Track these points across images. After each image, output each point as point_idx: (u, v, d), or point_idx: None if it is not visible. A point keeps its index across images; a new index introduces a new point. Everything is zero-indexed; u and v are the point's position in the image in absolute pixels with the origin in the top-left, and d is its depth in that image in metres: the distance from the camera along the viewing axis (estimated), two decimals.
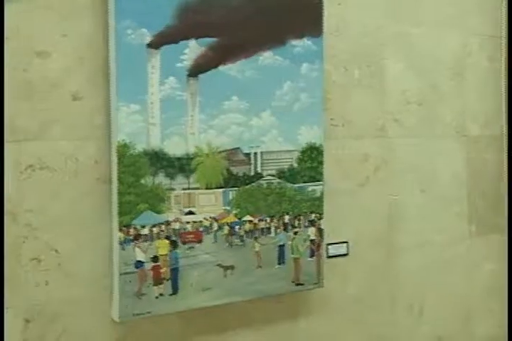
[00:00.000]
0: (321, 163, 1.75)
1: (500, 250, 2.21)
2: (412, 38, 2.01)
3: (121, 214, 1.41)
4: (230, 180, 1.59)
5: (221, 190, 1.58)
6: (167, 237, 1.49)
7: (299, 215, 1.71)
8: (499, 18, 2.20)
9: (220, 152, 1.57)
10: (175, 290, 1.50)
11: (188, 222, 1.53)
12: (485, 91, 2.18)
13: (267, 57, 1.63)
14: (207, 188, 1.56)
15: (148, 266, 1.46)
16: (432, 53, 2.07)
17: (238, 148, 1.61)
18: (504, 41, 2.20)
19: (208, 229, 1.56)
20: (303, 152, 1.71)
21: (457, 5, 2.11)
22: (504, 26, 2.19)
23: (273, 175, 1.67)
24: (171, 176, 1.50)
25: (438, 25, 2.08)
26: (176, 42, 1.48)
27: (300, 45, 1.69)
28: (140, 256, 1.45)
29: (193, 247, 1.53)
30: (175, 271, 1.50)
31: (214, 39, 1.54)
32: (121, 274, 1.42)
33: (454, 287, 2.11)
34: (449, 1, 2.09)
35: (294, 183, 1.71)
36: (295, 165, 1.70)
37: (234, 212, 1.60)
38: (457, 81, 2.11)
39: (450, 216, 2.11)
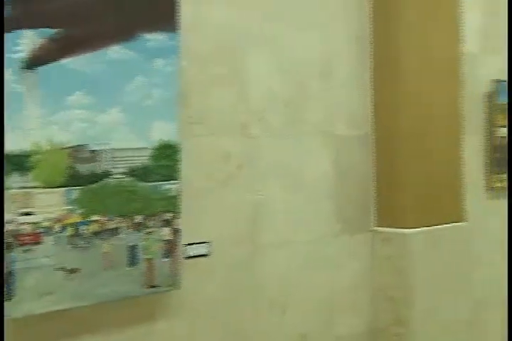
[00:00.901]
0: (177, 160, 1.69)
1: (365, 249, 2.24)
2: (280, 37, 2.00)
3: None
4: (74, 179, 1.51)
5: (64, 188, 1.49)
6: None
7: (153, 215, 1.65)
8: (365, 19, 2.22)
9: (63, 149, 1.49)
10: (9, 295, 1.40)
11: (24, 223, 1.43)
12: (352, 92, 2.20)
13: (116, 50, 1.56)
14: (47, 187, 1.47)
15: None
16: (299, 52, 2.06)
17: (84, 145, 1.53)
18: (370, 42, 2.22)
19: (48, 231, 1.47)
20: (157, 149, 1.65)
21: (324, 5, 2.12)
22: (369, 27, 2.22)
23: (124, 173, 1.60)
24: (6, 174, 1.40)
25: (305, 25, 2.08)
26: (9, 31, 1.38)
27: (153, 39, 1.63)
28: None
29: (30, 250, 1.44)
30: (10, 275, 1.40)
31: (55, 30, 1.45)
32: None
33: (319, 285, 2.11)
34: (317, 1, 2.10)
35: (147, 182, 1.64)
36: (148, 163, 1.64)
37: (78, 211, 1.52)
38: (324, 81, 2.12)
39: (316, 215, 2.11)
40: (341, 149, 2.17)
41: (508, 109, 3.73)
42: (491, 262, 2.70)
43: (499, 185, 2.69)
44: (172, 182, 1.69)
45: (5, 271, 1.39)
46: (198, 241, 1.80)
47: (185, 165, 1.74)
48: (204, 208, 1.81)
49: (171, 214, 1.68)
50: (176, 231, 1.69)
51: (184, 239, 1.74)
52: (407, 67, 2.16)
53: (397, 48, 2.16)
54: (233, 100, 1.89)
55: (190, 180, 1.76)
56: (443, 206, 2.28)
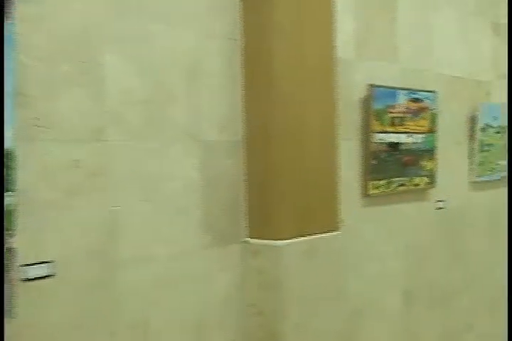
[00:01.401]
0: (11, 169, 1.46)
1: (236, 261, 2.10)
2: (141, 34, 1.82)
3: None
4: None
5: None
6: None
7: None
8: (236, 20, 2.08)
9: None
10: None
11: None
12: (222, 95, 2.05)
13: None
14: None
15: None
16: (163, 51, 1.89)
17: None
18: (241, 44, 2.09)
19: None
20: None
21: (193, 5, 1.96)
22: (241, 29, 2.08)
23: None
24: None
25: (172, 22, 1.91)
26: None
27: None
28: None
29: None
30: None
31: None
32: None
33: (185, 302, 1.95)
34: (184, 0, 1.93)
35: None
36: None
37: None
38: (191, 82, 1.95)
39: (181, 226, 1.94)
40: (210, 155, 2.02)
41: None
42: (367, 271, 2.65)
43: (375, 191, 2.65)
44: (6, 194, 1.45)
45: None
46: (39, 261, 1.57)
47: (25, 175, 1.51)
48: (47, 223, 1.59)
49: (5, 232, 1.45)
50: (9, 251, 1.46)
51: (23, 259, 1.51)
52: (279, 70, 2.04)
53: (269, 51, 2.03)
54: (86, 101, 1.68)
55: (31, 191, 1.54)
56: (318, 215, 2.18)
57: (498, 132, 3.50)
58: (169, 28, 1.89)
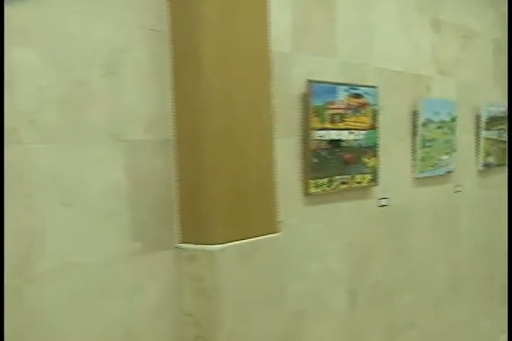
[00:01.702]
0: None
1: (169, 268, 1.97)
2: (55, 29, 1.67)
3: None
4: None
5: None
6: None
7: None
8: (162, 11, 1.95)
9: None
10: None
11: None
12: (148, 92, 1.92)
13: None
14: None
15: None
16: (80, 47, 1.74)
17: None
18: (169, 37, 1.95)
19: None
20: None
21: None
22: (167, 21, 1.94)
23: None
24: None
25: (89, 14, 1.75)
26: None
27: None
28: None
29: None
30: None
31: None
32: None
33: (112, 313, 1.80)
34: None
35: None
36: None
37: None
38: (112, 78, 1.81)
39: (107, 233, 1.80)
40: (136, 155, 1.88)
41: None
42: (311, 271, 2.56)
43: (316, 190, 2.56)
44: None
45: None
46: None
47: None
48: None
49: None
50: None
51: None
52: (210, 66, 1.92)
53: (197, 45, 1.91)
54: None
55: None
56: (255, 217, 2.07)
57: (439, 127, 3.47)
58: (86, 19, 1.73)
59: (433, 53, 3.55)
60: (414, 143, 3.32)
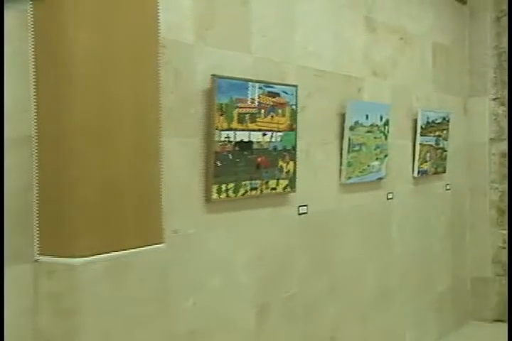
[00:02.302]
0: None
1: (27, 284, 1.69)
2: None
3: None
4: None
5: None
6: None
7: None
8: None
9: None
10: None
11: None
12: (8, 84, 1.63)
13: None
14: None
15: None
16: None
17: None
18: (32, 27, 1.68)
19: None
20: None
21: None
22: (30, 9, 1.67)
23: None
24: None
25: None
26: None
27: None
28: None
29: None
30: None
31: None
32: None
33: None
34: None
35: None
36: None
37: None
38: None
39: None
40: None
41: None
42: (210, 285, 2.30)
43: (221, 196, 2.30)
44: None
45: None
46: None
47: None
48: None
49: None
50: None
51: None
52: (76, 58, 1.65)
53: (62, 37, 1.64)
54: None
55: None
56: (132, 226, 1.81)
57: (369, 131, 3.26)
58: None
59: (366, 54, 3.34)
60: (341, 147, 3.09)
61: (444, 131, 4.18)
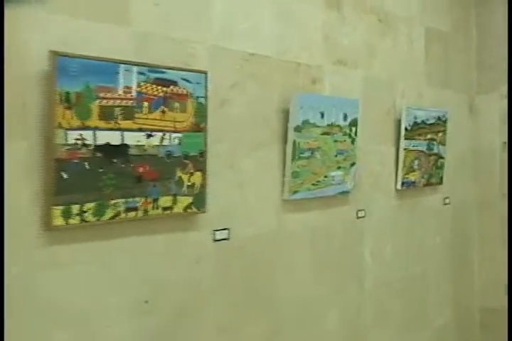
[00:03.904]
0: None
1: None
2: None
3: None
4: None
5: None
6: None
7: None
8: None
9: None
10: None
11: None
12: None
13: None
14: None
15: None
16: None
17: None
18: None
19: None
20: None
21: None
22: None
23: None
24: None
25: None
26: None
27: None
28: None
29: None
30: None
31: None
32: None
33: None
34: None
35: None
36: None
37: None
38: None
39: None
40: None
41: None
42: None
43: (69, 221, 1.61)
44: None
45: None
46: None
47: None
48: None
49: None
50: None
51: None
52: None
53: None
54: None
55: None
56: None
57: (326, 133, 2.52)
58: None
59: (326, 37, 2.61)
60: (283, 153, 2.37)
61: (440, 134, 3.40)
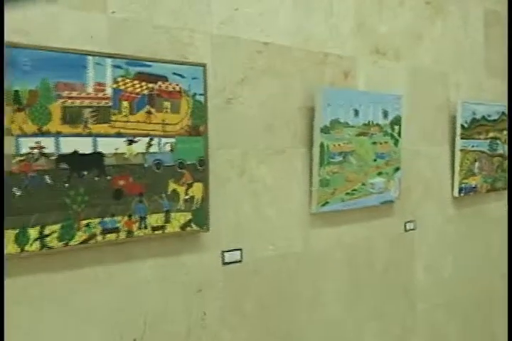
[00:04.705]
0: None
1: None
2: None
3: None
4: None
5: None
6: None
7: None
8: None
9: None
10: None
11: None
12: None
13: None
14: None
15: None
16: None
17: None
18: None
19: None
20: None
21: None
22: None
23: None
24: None
25: None
26: None
27: None
28: None
29: None
30: None
31: None
32: None
33: None
34: None
35: None
36: None
37: None
38: None
39: None
40: None
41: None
42: None
43: (24, 249, 1.31)
44: None
45: None
46: None
47: None
48: None
49: None
50: None
51: None
52: None
53: None
54: None
55: None
56: None
57: (361, 134, 2.12)
58: None
59: (361, 23, 2.21)
60: (310, 158, 1.99)
61: (504, 132, 2.90)
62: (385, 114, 2.22)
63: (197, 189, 1.63)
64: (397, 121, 2.27)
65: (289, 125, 1.95)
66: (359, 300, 2.17)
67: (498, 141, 2.86)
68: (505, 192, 2.98)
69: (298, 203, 1.96)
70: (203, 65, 1.64)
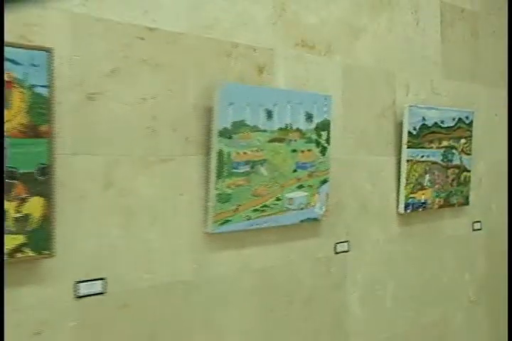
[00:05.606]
0: None
1: None
2: None
3: None
4: None
5: None
6: None
7: None
8: None
9: None
10: None
11: None
12: None
13: None
14: None
15: None
16: None
17: None
18: None
19: None
20: None
21: None
22: None
23: None
24: None
25: None
26: None
27: None
28: None
29: None
30: None
31: None
32: None
33: None
34: None
35: None
36: None
37: None
38: None
39: None
40: None
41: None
42: None
43: None
44: None
45: None
46: None
47: None
48: None
49: None
50: None
51: None
52: None
53: None
54: None
55: None
56: None
57: (277, 140, 1.77)
58: None
59: (282, 9, 1.87)
60: (207, 167, 1.63)
61: (462, 141, 2.56)
62: (309, 118, 1.88)
63: (34, 205, 1.28)
64: (324, 126, 1.92)
65: (179, 128, 1.60)
66: (272, 340, 1.81)
67: (454, 151, 2.51)
68: (465, 208, 2.62)
69: (189, 222, 1.61)
70: (48, 50, 1.30)
